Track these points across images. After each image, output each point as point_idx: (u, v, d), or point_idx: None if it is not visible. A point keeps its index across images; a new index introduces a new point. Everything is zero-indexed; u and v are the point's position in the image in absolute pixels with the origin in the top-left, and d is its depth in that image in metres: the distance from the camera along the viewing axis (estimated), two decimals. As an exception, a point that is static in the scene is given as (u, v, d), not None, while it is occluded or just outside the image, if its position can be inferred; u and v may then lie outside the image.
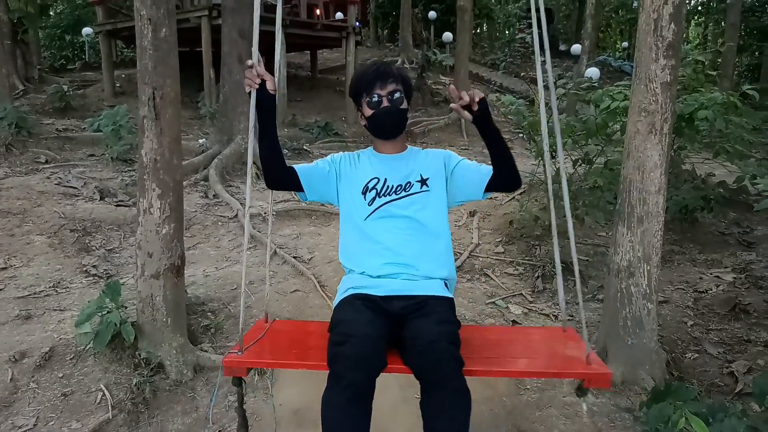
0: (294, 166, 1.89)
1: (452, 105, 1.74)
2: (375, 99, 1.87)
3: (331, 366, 1.60)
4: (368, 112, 1.89)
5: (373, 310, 1.72)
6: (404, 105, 1.90)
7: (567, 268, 4.20)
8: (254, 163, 7.18)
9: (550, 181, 2.03)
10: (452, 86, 1.78)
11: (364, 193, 1.90)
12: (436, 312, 1.72)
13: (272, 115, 1.77)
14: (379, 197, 1.89)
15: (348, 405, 1.53)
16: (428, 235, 1.87)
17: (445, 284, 1.90)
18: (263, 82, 1.70)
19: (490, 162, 1.82)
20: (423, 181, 1.91)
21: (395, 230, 1.85)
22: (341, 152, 2.04)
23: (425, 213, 1.88)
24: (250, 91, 1.70)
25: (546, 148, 1.86)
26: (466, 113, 1.70)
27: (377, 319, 1.69)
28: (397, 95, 1.87)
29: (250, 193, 1.78)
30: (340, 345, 1.59)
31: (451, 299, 1.86)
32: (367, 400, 1.57)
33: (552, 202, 1.99)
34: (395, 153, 1.96)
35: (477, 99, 1.69)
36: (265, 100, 1.73)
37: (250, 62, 1.69)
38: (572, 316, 3.72)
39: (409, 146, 2.02)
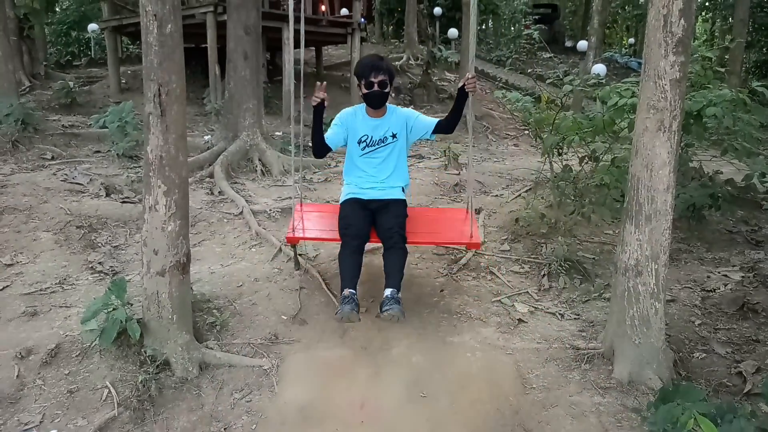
0: (327, 142, 3.40)
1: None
2: (369, 84, 3.29)
3: (342, 238, 3.24)
4: (364, 91, 3.33)
5: (361, 207, 3.37)
6: (387, 89, 3.34)
7: (573, 266, 4.20)
8: (259, 159, 7.18)
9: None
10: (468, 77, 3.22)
11: (358, 143, 3.46)
12: (393, 209, 3.36)
13: (322, 119, 3.32)
14: (368, 147, 3.46)
15: (351, 254, 3.15)
16: (394, 164, 3.48)
17: (402, 189, 3.52)
18: (322, 100, 3.19)
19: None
20: (393, 135, 3.46)
21: (375, 164, 3.47)
22: (343, 110, 3.53)
23: (393, 153, 3.48)
24: (315, 106, 3.22)
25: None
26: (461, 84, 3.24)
27: (363, 213, 3.35)
28: (383, 83, 3.30)
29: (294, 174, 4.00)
30: (345, 228, 3.27)
31: (404, 200, 3.48)
32: (361, 252, 3.21)
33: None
34: (378, 117, 3.45)
35: (469, 76, 3.22)
36: (321, 112, 3.27)
37: (322, 87, 3.19)
38: (578, 315, 3.70)
39: (388, 106, 3.45)
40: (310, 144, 3.45)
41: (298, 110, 3.35)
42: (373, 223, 3.35)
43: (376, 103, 3.36)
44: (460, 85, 3.25)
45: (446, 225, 3.82)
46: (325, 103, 3.18)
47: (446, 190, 6.27)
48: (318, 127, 3.31)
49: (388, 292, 3.00)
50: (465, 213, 3.78)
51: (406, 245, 3.23)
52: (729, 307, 3.77)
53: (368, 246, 3.42)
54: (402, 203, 3.43)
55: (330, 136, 3.41)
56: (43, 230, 4.61)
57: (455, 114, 3.38)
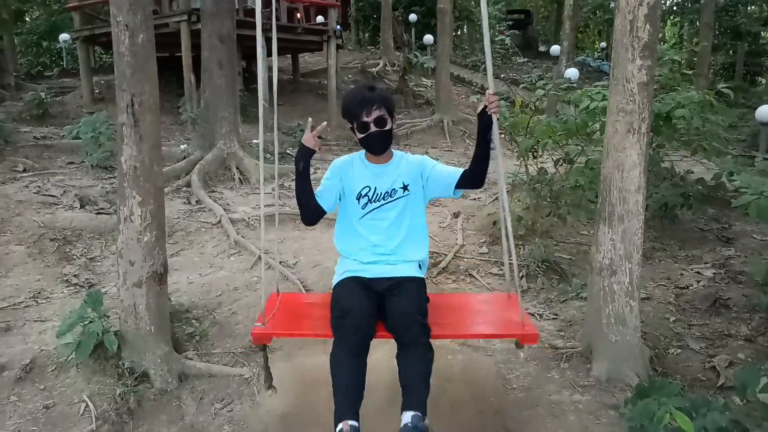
0: (319, 201, 2.41)
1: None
2: (363, 125, 2.35)
3: (335, 333, 2.22)
4: (359, 135, 2.39)
5: (363, 289, 2.34)
6: (388, 126, 2.39)
7: (550, 267, 4.26)
8: (237, 167, 7.13)
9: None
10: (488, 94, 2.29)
11: (358, 198, 2.45)
12: (409, 290, 2.32)
13: (308, 168, 2.37)
14: (371, 203, 2.44)
15: (348, 357, 2.13)
16: (407, 228, 2.46)
17: (419, 265, 2.50)
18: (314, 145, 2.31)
19: (465, 161, 2.26)
20: (404, 187, 2.45)
21: (382, 229, 2.44)
22: (335, 160, 2.55)
23: (406, 211, 2.46)
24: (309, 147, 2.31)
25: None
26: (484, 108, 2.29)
27: (367, 296, 2.30)
28: (381, 119, 2.35)
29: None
30: (341, 318, 2.22)
31: (422, 279, 2.45)
32: (363, 356, 2.16)
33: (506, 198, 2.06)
34: (383, 163, 2.48)
35: (491, 93, 2.27)
36: (308, 159, 2.34)
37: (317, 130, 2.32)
38: (557, 314, 3.76)
39: (393, 152, 2.52)
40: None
41: (272, 119, 2.72)
42: (380, 309, 2.32)
43: (378, 147, 2.42)
44: (480, 109, 2.31)
45: (482, 312, 2.77)
46: (317, 145, 2.33)
47: (442, 216, 5.75)
48: (305, 180, 2.38)
49: (407, 417, 2.00)
50: (506, 297, 2.72)
51: (431, 340, 2.22)
52: (702, 304, 3.86)
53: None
54: (421, 283, 2.41)
55: (321, 193, 2.43)
56: (16, 243, 4.53)
57: (482, 154, 2.40)
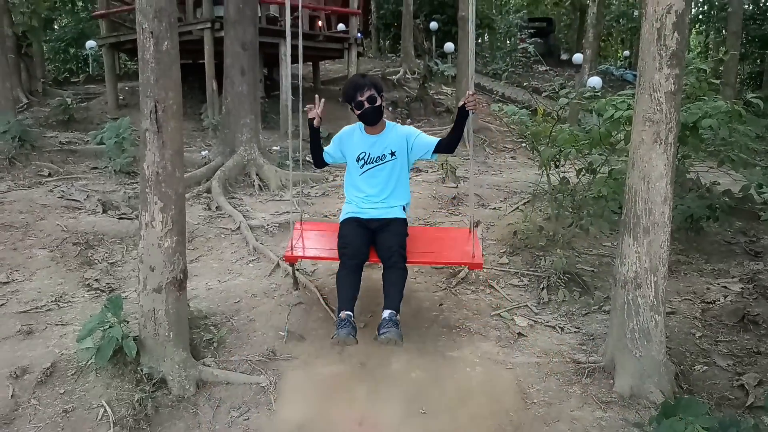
0: (324, 157, 3.48)
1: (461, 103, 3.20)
2: (359, 104, 3.25)
3: (340, 258, 3.20)
4: (356, 112, 3.31)
5: (360, 227, 3.30)
6: (378, 102, 3.28)
7: (572, 279, 4.18)
8: (257, 174, 7.18)
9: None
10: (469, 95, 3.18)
11: (357, 160, 3.40)
12: (393, 228, 3.28)
13: (318, 134, 3.36)
14: (366, 164, 3.38)
15: (348, 274, 3.10)
16: (394, 184, 3.39)
17: (403, 208, 3.45)
18: (316, 118, 3.26)
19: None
20: (392, 153, 3.36)
21: (374, 183, 3.39)
22: (344, 128, 3.52)
23: (393, 172, 3.38)
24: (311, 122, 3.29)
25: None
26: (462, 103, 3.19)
27: (363, 232, 3.28)
28: (372, 97, 3.25)
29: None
30: (343, 248, 3.21)
31: (404, 218, 3.40)
32: (358, 273, 3.15)
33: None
34: (376, 133, 3.40)
35: (469, 93, 3.16)
36: (316, 128, 3.32)
37: (320, 111, 3.29)
38: (578, 328, 3.68)
39: (386, 123, 3.43)
40: (310, 158, 3.54)
41: (296, 125, 3.33)
42: (373, 242, 3.29)
43: (371, 119, 3.32)
44: (461, 103, 3.20)
45: (448, 244, 3.76)
46: (318, 121, 3.25)
47: (444, 203, 6.27)
48: (315, 141, 3.36)
49: (386, 313, 2.93)
50: (467, 232, 3.72)
51: (407, 265, 3.18)
52: (729, 319, 3.75)
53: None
54: (402, 222, 3.36)
55: (328, 151, 3.48)
56: (40, 247, 4.59)
57: (456, 133, 3.29)
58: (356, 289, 3.08)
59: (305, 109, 3.29)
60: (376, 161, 3.36)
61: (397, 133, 3.40)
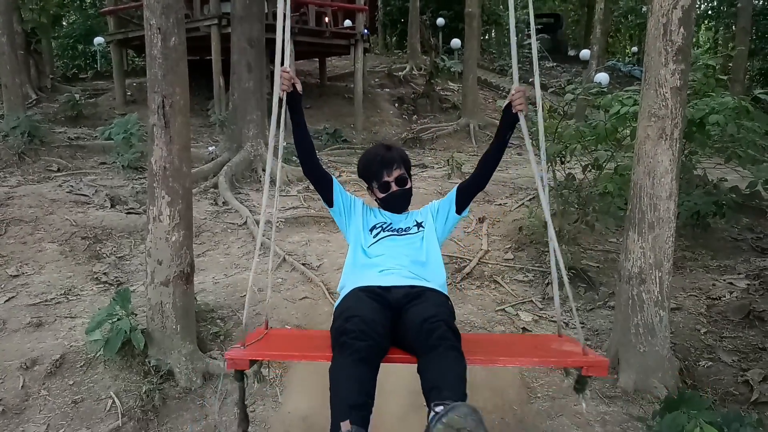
0: (323, 168, 2.28)
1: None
2: (385, 185, 2.27)
3: (337, 340, 1.78)
4: (380, 195, 2.30)
5: (375, 300, 1.95)
6: (408, 184, 2.31)
7: (577, 274, 4.18)
8: (263, 170, 7.19)
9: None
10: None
11: (371, 230, 2.27)
12: (433, 299, 1.97)
13: (301, 110, 2.14)
14: (383, 232, 2.26)
15: (354, 364, 1.69)
16: (424, 256, 2.19)
17: (441, 286, 2.17)
18: (294, 85, 2.06)
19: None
20: (418, 225, 2.29)
21: (396, 254, 2.16)
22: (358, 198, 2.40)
23: (421, 246, 2.22)
24: (283, 94, 2.03)
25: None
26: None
27: (380, 307, 1.92)
28: (402, 178, 2.27)
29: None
30: (345, 321, 1.80)
31: (446, 294, 2.10)
32: (373, 363, 1.74)
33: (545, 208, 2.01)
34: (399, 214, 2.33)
35: (516, 90, 2.04)
36: (296, 100, 2.09)
37: (284, 69, 2.02)
38: (583, 323, 3.69)
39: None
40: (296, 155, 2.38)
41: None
42: (394, 330, 1.91)
43: (400, 205, 2.33)
44: (506, 103, 2.10)
45: (532, 348, 2.27)
46: (298, 88, 2.08)
47: (467, 221, 6.14)
48: (299, 122, 2.16)
49: (439, 409, 1.56)
50: (557, 339, 2.25)
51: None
52: (735, 315, 3.75)
53: None
54: (444, 297, 2.07)
55: (337, 183, 2.32)
56: (49, 241, 4.64)
57: (494, 153, 2.19)
58: (369, 389, 1.70)
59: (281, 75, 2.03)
60: (398, 232, 2.28)
61: (420, 210, 2.39)
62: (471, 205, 2.33)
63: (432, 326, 1.78)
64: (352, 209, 2.32)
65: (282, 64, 2.00)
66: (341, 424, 1.59)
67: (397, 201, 2.31)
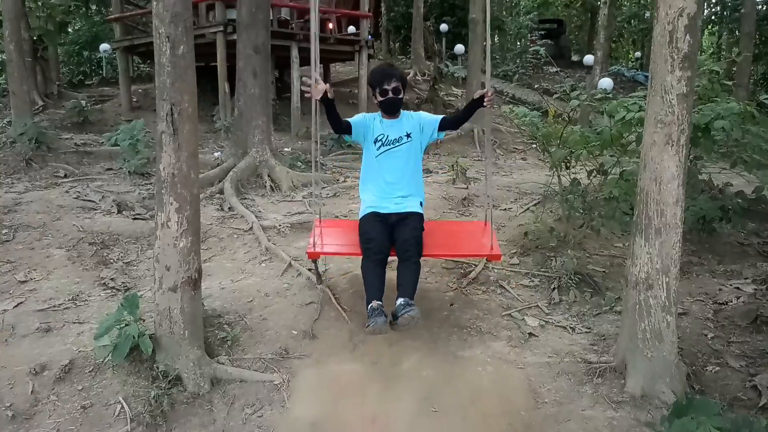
0: (348, 120, 3.43)
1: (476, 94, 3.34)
2: (384, 91, 3.40)
3: (364, 252, 3.28)
4: (379, 98, 3.44)
5: (380, 222, 3.38)
6: (401, 95, 3.44)
7: (583, 279, 4.18)
8: (269, 175, 7.23)
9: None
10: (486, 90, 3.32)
11: (374, 142, 3.49)
12: (410, 222, 3.36)
13: (334, 108, 3.27)
14: (383, 146, 3.48)
15: (373, 268, 3.18)
16: (411, 168, 3.52)
17: (420, 203, 3.55)
18: (325, 91, 3.13)
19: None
20: (408, 135, 3.49)
21: (392, 167, 3.47)
22: (365, 114, 3.59)
23: (409, 154, 3.50)
24: (318, 103, 3.19)
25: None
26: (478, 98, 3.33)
27: (383, 227, 3.36)
28: (397, 89, 3.40)
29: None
30: (367, 243, 3.28)
31: (421, 214, 3.51)
32: (383, 266, 3.23)
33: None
34: (393, 119, 3.51)
35: (491, 92, 3.29)
36: (329, 104, 3.22)
37: (311, 80, 3.14)
38: (590, 328, 3.69)
39: (402, 111, 3.55)
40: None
41: (307, 126, 3.26)
42: (390, 235, 3.36)
43: (391, 109, 3.46)
44: (477, 95, 3.30)
45: (464, 237, 3.85)
46: (329, 95, 3.17)
47: (455, 204, 6.29)
48: (333, 112, 3.29)
49: (401, 300, 2.98)
50: (483, 225, 3.81)
51: (422, 258, 3.27)
52: (742, 320, 3.74)
53: None
54: (419, 217, 3.46)
55: (353, 120, 3.48)
56: (56, 247, 4.67)
57: (464, 115, 3.54)
58: (383, 282, 3.15)
59: (306, 87, 3.22)
60: (393, 143, 3.46)
61: (411, 117, 3.55)
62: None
63: (406, 246, 3.22)
64: (363, 127, 3.47)
65: (315, 70, 3.12)
66: (373, 301, 3.00)
67: (391, 106, 3.45)
